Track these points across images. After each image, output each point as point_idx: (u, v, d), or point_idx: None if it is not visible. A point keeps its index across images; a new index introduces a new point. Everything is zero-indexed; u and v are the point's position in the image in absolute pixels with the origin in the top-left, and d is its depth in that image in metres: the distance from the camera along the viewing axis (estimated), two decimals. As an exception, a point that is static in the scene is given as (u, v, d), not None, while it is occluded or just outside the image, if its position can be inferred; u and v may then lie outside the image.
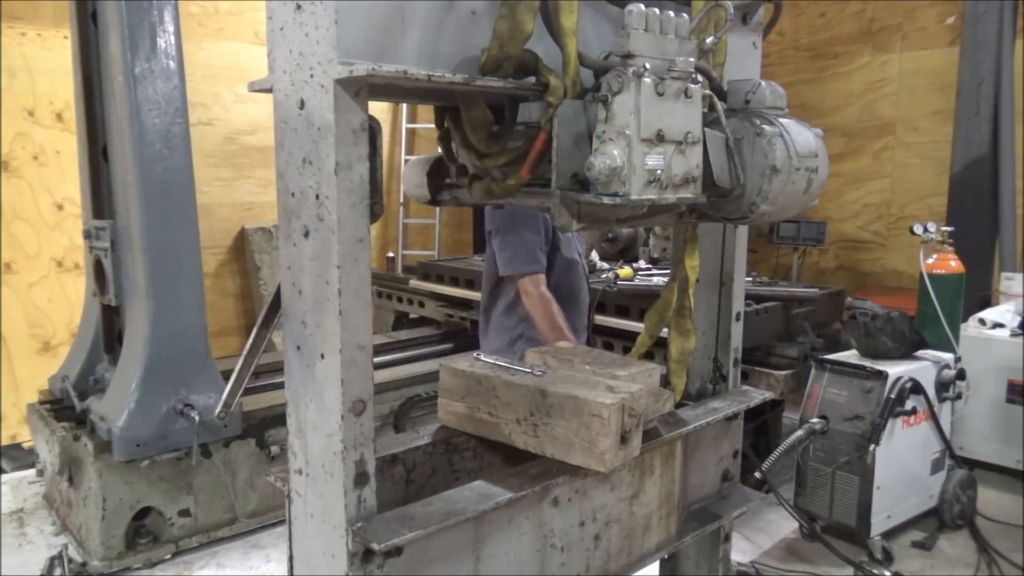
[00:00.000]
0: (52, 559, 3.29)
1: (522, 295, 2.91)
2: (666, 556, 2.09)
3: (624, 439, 1.51)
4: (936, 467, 3.66)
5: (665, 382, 2.14)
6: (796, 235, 5.70)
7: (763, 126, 1.49)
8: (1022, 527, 3.65)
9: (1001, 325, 4.25)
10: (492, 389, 1.67)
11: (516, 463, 1.64)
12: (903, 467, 3.47)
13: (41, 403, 3.91)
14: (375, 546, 1.25)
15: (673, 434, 1.78)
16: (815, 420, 3.44)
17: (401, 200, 7.05)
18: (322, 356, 1.28)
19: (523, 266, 2.88)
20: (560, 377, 1.66)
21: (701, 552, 2.17)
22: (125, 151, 3.37)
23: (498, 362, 1.75)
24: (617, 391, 1.55)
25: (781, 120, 1.52)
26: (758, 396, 2.10)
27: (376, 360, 3.69)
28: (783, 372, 3.72)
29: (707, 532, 1.99)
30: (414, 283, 5.24)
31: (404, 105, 6.92)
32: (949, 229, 4.14)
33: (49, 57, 4.85)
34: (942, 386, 3.63)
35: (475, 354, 1.81)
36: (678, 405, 1.94)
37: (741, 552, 3.45)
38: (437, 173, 1.72)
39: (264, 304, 1.96)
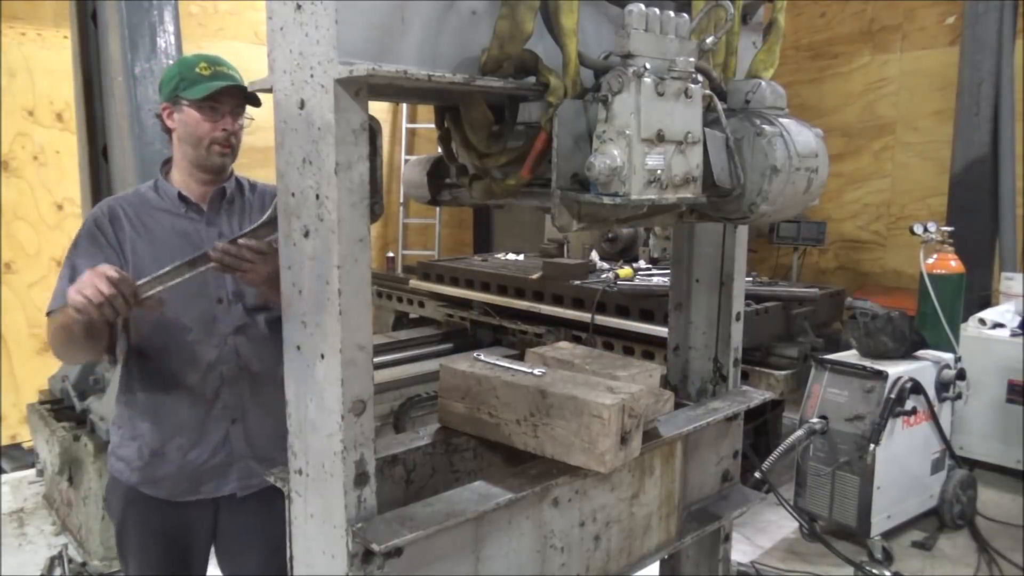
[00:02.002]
0: (52, 559, 3.29)
1: None
2: (666, 556, 2.08)
3: (624, 440, 1.51)
4: (936, 467, 3.66)
5: (665, 382, 2.14)
6: (796, 235, 5.71)
7: (763, 126, 1.49)
8: (1022, 527, 3.65)
9: (1001, 325, 4.25)
10: (492, 390, 1.67)
11: (516, 463, 1.63)
12: (903, 467, 3.47)
13: (41, 403, 3.91)
14: (375, 547, 1.24)
15: (673, 434, 1.78)
16: (815, 420, 3.45)
17: (401, 200, 7.05)
18: (322, 356, 1.28)
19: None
20: (560, 378, 1.65)
21: (701, 552, 2.17)
22: (125, 151, 3.37)
23: (498, 363, 1.74)
24: (617, 392, 1.55)
25: (781, 120, 1.52)
26: (758, 396, 2.09)
27: (376, 360, 3.69)
28: (783, 372, 3.72)
29: (707, 532, 1.99)
30: (414, 283, 5.24)
31: (404, 105, 6.92)
32: (949, 229, 4.14)
33: (49, 57, 4.85)
34: (942, 386, 3.63)
35: (475, 354, 1.81)
36: (678, 405, 1.94)
37: (741, 552, 3.45)
38: (437, 173, 1.72)
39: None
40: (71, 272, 1.90)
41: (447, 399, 1.77)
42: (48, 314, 1.91)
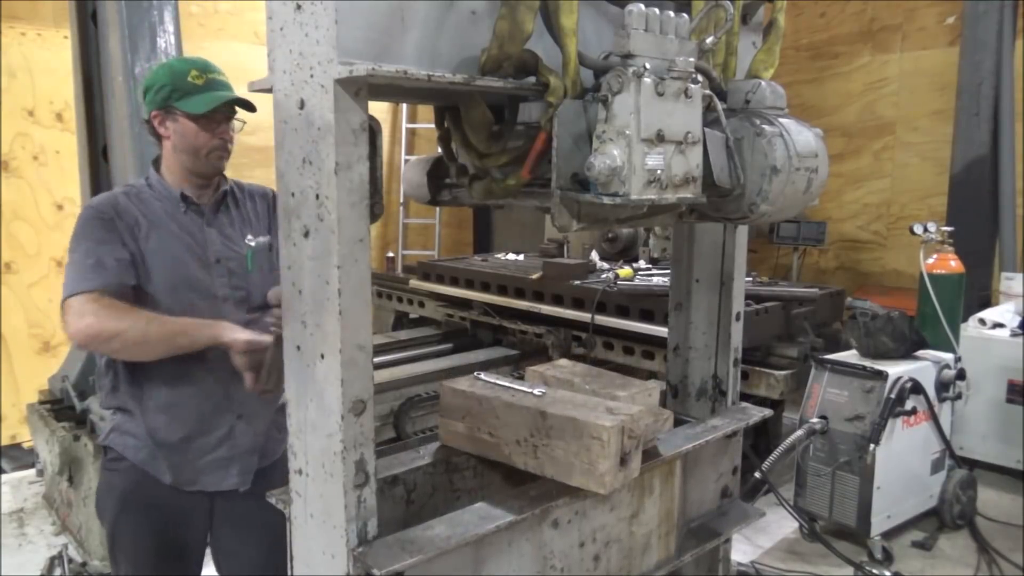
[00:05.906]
0: (52, 559, 3.28)
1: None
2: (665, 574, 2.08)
3: (624, 461, 1.50)
4: (936, 467, 3.66)
5: (664, 401, 2.13)
6: (796, 235, 5.71)
7: (763, 126, 1.49)
8: (1022, 527, 3.65)
9: (1001, 325, 4.25)
10: (492, 410, 1.66)
11: (516, 482, 1.63)
12: (903, 467, 3.47)
13: (41, 403, 3.91)
14: (376, 571, 1.24)
15: (672, 453, 1.77)
16: (815, 420, 3.44)
17: (401, 200, 7.05)
18: (322, 356, 1.28)
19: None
20: (560, 398, 1.64)
21: (701, 553, 2.17)
22: (125, 151, 3.37)
23: (498, 382, 1.74)
24: (617, 412, 1.54)
25: (781, 120, 1.52)
26: (757, 414, 2.08)
27: (376, 360, 3.69)
28: (783, 372, 3.72)
29: (706, 550, 1.98)
30: (414, 283, 5.24)
31: (404, 105, 6.92)
32: (949, 229, 4.13)
33: (49, 57, 4.85)
34: (942, 386, 3.63)
35: (476, 374, 1.81)
36: (677, 422, 1.94)
37: (741, 552, 3.45)
38: (437, 173, 1.72)
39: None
40: (86, 257, 1.84)
41: (448, 418, 1.76)
42: (68, 298, 1.82)
